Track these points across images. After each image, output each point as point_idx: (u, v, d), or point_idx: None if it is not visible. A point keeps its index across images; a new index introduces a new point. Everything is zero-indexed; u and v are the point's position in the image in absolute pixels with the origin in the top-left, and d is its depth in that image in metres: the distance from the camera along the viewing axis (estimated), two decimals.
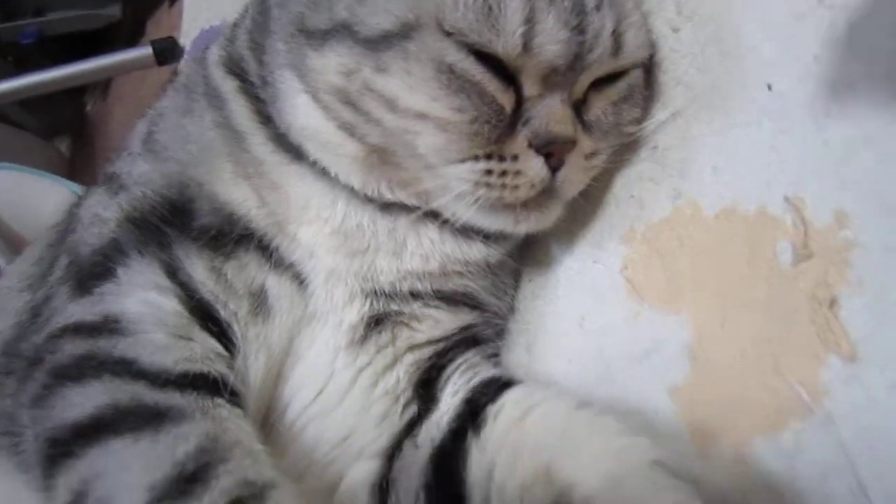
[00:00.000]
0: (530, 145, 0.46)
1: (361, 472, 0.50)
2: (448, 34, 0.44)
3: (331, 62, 0.46)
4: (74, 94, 2.07)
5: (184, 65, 0.66)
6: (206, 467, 0.39)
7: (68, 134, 2.16)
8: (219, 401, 0.45)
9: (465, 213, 0.48)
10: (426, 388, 0.52)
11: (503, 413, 0.47)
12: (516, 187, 0.46)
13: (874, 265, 0.38)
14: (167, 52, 1.47)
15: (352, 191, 0.51)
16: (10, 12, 1.79)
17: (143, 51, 1.48)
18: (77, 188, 1.56)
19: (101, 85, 2.00)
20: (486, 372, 0.52)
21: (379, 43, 0.45)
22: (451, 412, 0.50)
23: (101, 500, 0.38)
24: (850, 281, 0.39)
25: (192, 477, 0.38)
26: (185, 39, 1.54)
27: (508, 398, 0.48)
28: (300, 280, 0.52)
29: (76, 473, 0.40)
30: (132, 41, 1.94)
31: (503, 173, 0.46)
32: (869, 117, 0.41)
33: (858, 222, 0.40)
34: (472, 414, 0.49)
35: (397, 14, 0.45)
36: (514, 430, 0.46)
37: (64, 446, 0.42)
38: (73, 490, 0.40)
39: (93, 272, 0.51)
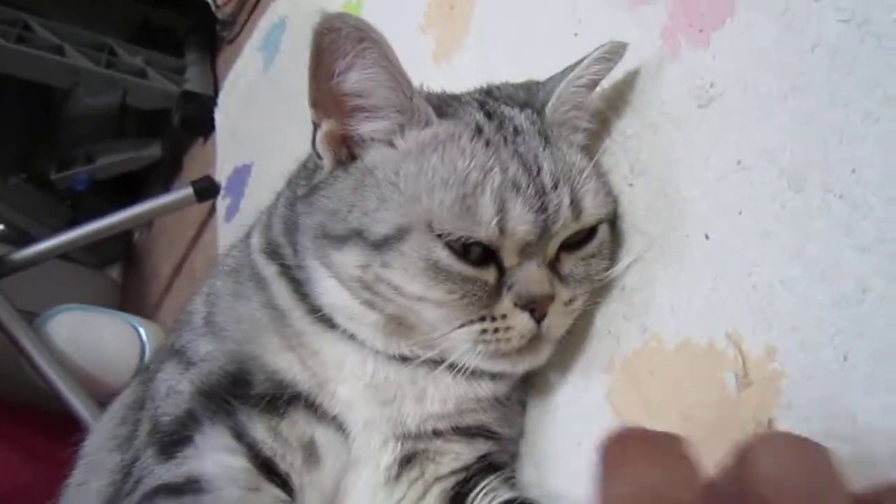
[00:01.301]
0: (516, 305, 0.55)
1: None
2: (437, 235, 0.54)
3: (348, 259, 0.57)
4: None
5: (230, 248, 0.78)
6: None
7: (119, 263, 2.33)
8: None
9: (472, 362, 0.57)
10: None
11: None
12: (509, 339, 0.56)
13: (798, 391, 0.47)
14: (205, 190, 1.64)
15: (377, 351, 0.61)
16: (64, 163, 1.99)
17: (185, 191, 1.64)
18: (130, 318, 1.71)
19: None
20: (504, 494, 0.60)
21: (382, 245, 0.56)
22: None
23: None
24: (781, 405, 0.48)
25: None
26: (220, 175, 1.70)
27: None
28: (343, 430, 0.61)
29: None
30: (171, 175, 2.13)
31: (496, 330, 0.55)
32: (784, 265, 0.50)
33: (783, 355, 0.48)
34: None
35: (393, 221, 0.56)
36: None
37: None
38: None
39: (173, 439, 0.61)
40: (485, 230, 0.54)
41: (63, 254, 2.11)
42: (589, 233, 0.60)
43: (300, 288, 0.64)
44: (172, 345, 0.71)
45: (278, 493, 0.58)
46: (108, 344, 1.58)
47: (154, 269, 2.01)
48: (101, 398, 1.49)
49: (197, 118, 1.89)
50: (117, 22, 2.23)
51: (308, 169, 0.66)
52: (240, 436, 0.59)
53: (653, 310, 0.58)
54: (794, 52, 0.54)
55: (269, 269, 0.66)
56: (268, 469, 0.59)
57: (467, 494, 0.61)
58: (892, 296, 0.44)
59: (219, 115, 1.86)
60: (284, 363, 0.62)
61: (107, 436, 0.76)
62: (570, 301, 0.58)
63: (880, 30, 0.49)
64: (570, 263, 0.59)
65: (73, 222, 1.99)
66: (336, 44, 0.54)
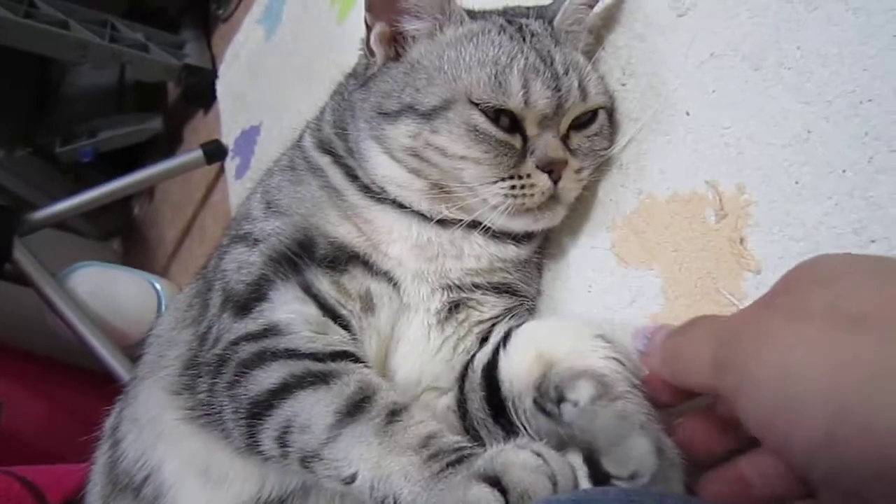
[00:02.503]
0: (537, 166, 0.68)
1: (446, 400, 0.72)
2: (475, 104, 0.68)
3: (401, 130, 0.70)
4: (122, 201, 2.33)
5: (280, 155, 0.90)
6: (367, 397, 0.59)
7: (119, 236, 2.41)
8: (360, 364, 0.65)
9: (499, 219, 0.70)
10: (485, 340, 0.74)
11: (521, 329, 0.70)
12: (532, 195, 0.69)
13: (763, 212, 0.61)
14: (214, 152, 1.75)
15: (421, 215, 0.73)
16: (68, 137, 2.07)
17: (195, 153, 1.75)
18: (145, 274, 1.80)
19: (147, 191, 2.26)
20: (523, 318, 0.74)
21: (431, 114, 0.69)
22: (495, 340, 0.72)
23: (303, 425, 0.58)
24: (750, 225, 0.62)
25: (359, 403, 0.58)
26: (227, 139, 1.81)
27: (529, 322, 0.71)
28: (393, 283, 0.73)
29: (279, 417, 0.60)
30: (171, 148, 2.22)
31: (522, 186, 0.68)
32: (748, 124, 0.65)
33: (751, 189, 0.63)
34: (506, 336, 0.71)
35: (441, 95, 0.69)
36: (524, 338, 0.69)
37: (265, 404, 0.61)
38: (279, 427, 0.60)
39: (250, 298, 0.71)
40: (513, 100, 0.67)
41: (67, 226, 2.20)
42: (591, 116, 0.73)
43: (351, 172, 0.77)
44: (234, 234, 0.81)
45: (343, 332, 0.70)
46: (127, 296, 1.67)
47: (159, 236, 2.10)
48: (123, 346, 1.59)
49: (199, 90, 1.99)
50: (111, 3, 2.31)
51: (357, 72, 0.79)
52: (308, 289, 0.71)
53: (646, 176, 0.72)
54: None
55: (323, 160, 0.79)
56: (332, 315, 0.70)
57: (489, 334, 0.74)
58: (828, 132, 0.59)
59: (220, 87, 1.97)
60: (343, 230, 0.74)
61: (175, 321, 0.85)
62: (580, 170, 0.72)
63: None
64: (577, 140, 0.72)
65: (74, 195, 2.07)
66: None
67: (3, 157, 2.05)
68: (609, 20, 0.82)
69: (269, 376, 0.63)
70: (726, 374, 0.41)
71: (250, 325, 0.70)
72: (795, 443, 0.36)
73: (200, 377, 0.71)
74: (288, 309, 0.69)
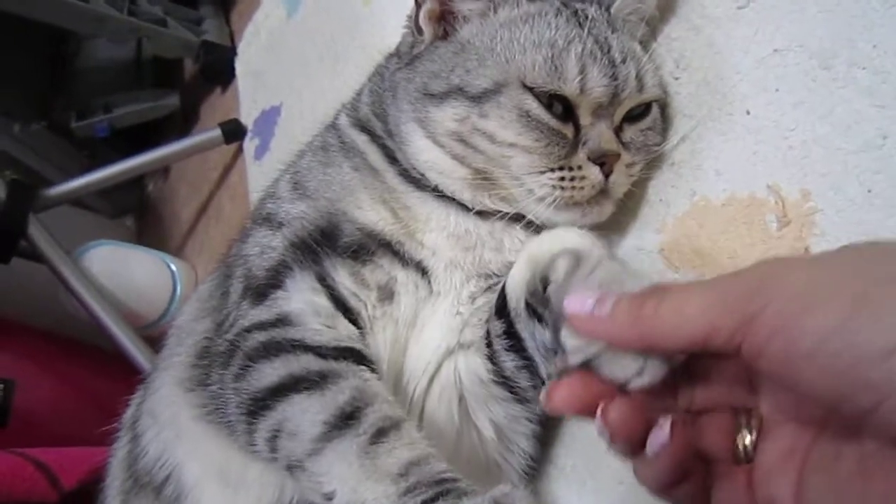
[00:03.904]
0: (589, 158, 0.65)
1: (475, 359, 0.70)
2: (529, 88, 0.65)
3: (447, 113, 0.67)
4: (136, 178, 2.30)
5: (313, 137, 0.87)
6: (358, 409, 0.56)
7: (132, 213, 2.39)
8: (362, 367, 0.62)
9: (545, 213, 0.67)
10: None
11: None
12: (582, 188, 0.66)
13: (830, 222, 0.58)
14: (233, 132, 1.71)
15: (460, 204, 0.70)
16: (83, 112, 2.04)
17: (213, 133, 1.71)
18: (160, 254, 1.78)
19: (161, 169, 2.23)
20: None
21: (481, 98, 0.66)
22: None
23: (292, 432, 0.57)
24: (816, 234, 0.59)
25: (350, 415, 0.56)
26: (246, 119, 1.77)
27: None
28: (423, 271, 0.70)
29: (272, 419, 0.59)
30: (187, 126, 2.19)
31: (572, 178, 0.65)
32: (815, 126, 0.61)
33: (816, 196, 0.59)
34: None
35: (492, 77, 0.66)
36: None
37: (262, 402, 0.60)
38: (271, 429, 0.58)
39: (268, 285, 0.69)
40: (569, 85, 0.64)
41: (80, 202, 2.18)
42: (645, 109, 0.70)
43: (390, 153, 0.73)
44: (258, 215, 0.79)
45: (351, 328, 0.67)
46: (142, 276, 1.65)
47: (174, 214, 2.07)
48: (136, 327, 1.57)
49: (217, 67, 1.95)
50: None
51: (402, 51, 0.75)
52: (323, 279, 0.68)
53: (700, 177, 0.69)
54: None
55: (360, 138, 0.76)
56: (343, 307, 0.68)
57: None
58: None
59: (240, 65, 1.93)
60: (375, 215, 0.71)
61: (195, 311, 0.83)
62: (631, 165, 0.69)
63: None
64: (630, 133, 0.69)
65: (90, 171, 2.05)
66: None
67: (19, 131, 2.02)
68: (665, 10, 0.78)
69: (271, 373, 0.62)
70: (747, 301, 0.39)
71: (264, 312, 0.68)
72: (806, 341, 0.36)
73: (212, 368, 0.69)
74: (300, 298, 0.68)
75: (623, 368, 0.48)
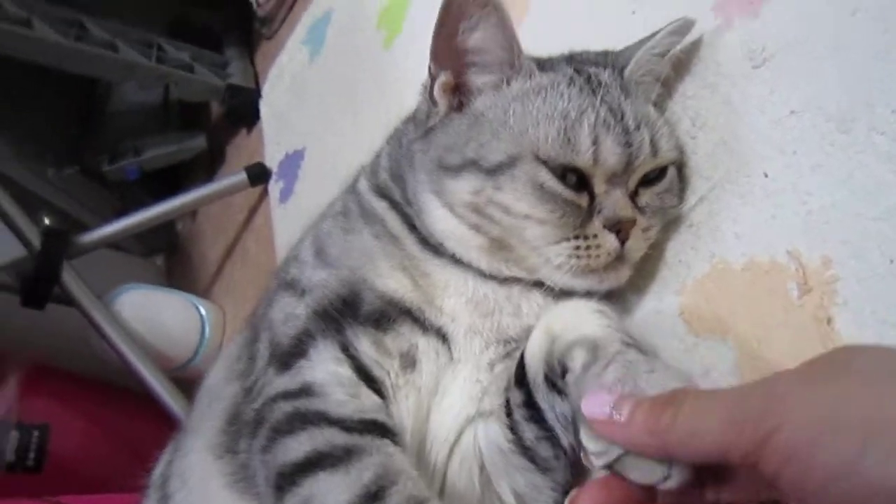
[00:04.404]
0: (604, 226, 0.65)
1: (495, 427, 0.69)
2: (542, 161, 0.65)
3: (463, 186, 0.67)
4: None
5: (334, 200, 0.88)
6: (383, 488, 0.56)
7: (163, 252, 2.44)
8: (386, 440, 0.62)
9: (562, 280, 0.67)
10: None
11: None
12: (598, 256, 0.66)
13: (852, 291, 0.57)
14: (258, 175, 1.75)
15: (478, 271, 0.71)
16: (114, 156, 2.10)
17: (239, 176, 1.75)
18: (189, 297, 1.81)
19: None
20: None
21: (495, 171, 0.66)
22: None
23: None
24: (838, 304, 0.58)
25: (374, 495, 0.55)
26: (270, 162, 1.80)
27: None
28: (443, 337, 0.71)
29: (299, 496, 0.58)
30: (214, 167, 2.23)
31: (588, 247, 0.65)
32: (834, 190, 0.61)
33: (838, 264, 0.58)
34: None
35: (506, 151, 0.66)
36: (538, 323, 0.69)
37: (289, 478, 0.60)
38: None
39: (292, 353, 0.70)
40: (582, 157, 0.64)
41: (112, 243, 2.23)
42: (660, 172, 0.70)
43: (409, 220, 0.74)
44: (282, 280, 0.80)
45: (375, 398, 0.67)
46: (171, 320, 1.68)
47: (202, 255, 2.11)
48: (166, 370, 1.59)
49: (242, 110, 1.99)
50: (156, 20, 2.34)
51: (418, 119, 0.76)
52: (346, 348, 0.69)
53: (718, 239, 0.68)
54: (838, 16, 0.65)
55: (380, 205, 0.77)
56: (366, 377, 0.68)
57: None
58: None
59: (264, 107, 1.97)
60: (395, 283, 0.71)
61: (225, 371, 0.85)
62: (647, 229, 0.68)
63: None
64: (646, 197, 0.69)
65: (121, 212, 2.10)
66: (463, 7, 0.65)
67: (53, 176, 2.08)
68: (679, 68, 0.78)
69: (296, 448, 0.62)
70: (759, 421, 0.40)
71: (289, 381, 0.69)
72: (818, 473, 0.37)
73: (241, 436, 0.70)
74: (324, 369, 0.68)
75: (650, 473, 0.49)
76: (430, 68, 0.71)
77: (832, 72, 0.64)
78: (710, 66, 0.75)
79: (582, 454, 0.55)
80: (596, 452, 0.52)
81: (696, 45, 0.77)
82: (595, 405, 0.50)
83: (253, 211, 1.84)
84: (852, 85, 0.62)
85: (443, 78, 0.70)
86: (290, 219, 1.61)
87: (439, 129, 0.71)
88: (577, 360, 0.61)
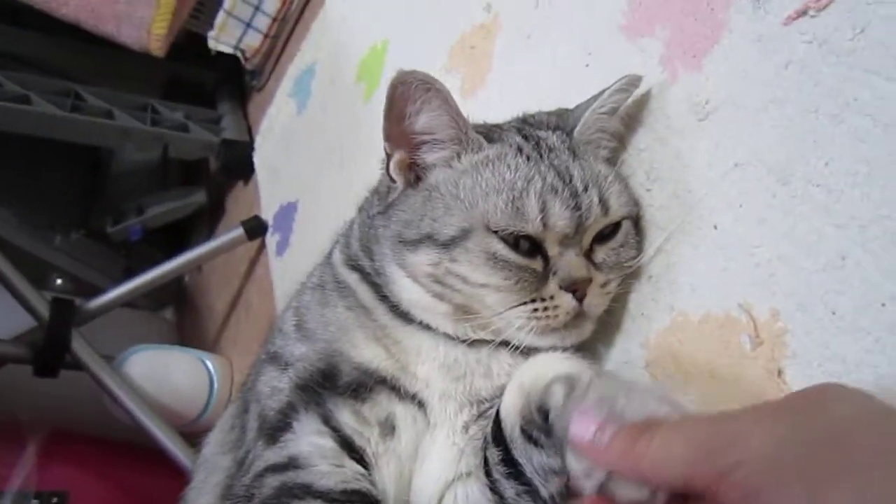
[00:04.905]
0: (560, 287, 0.68)
1: (475, 487, 0.71)
2: (494, 232, 0.68)
3: (422, 259, 0.70)
4: None
5: (312, 269, 0.91)
6: None
7: (172, 305, 2.49)
8: None
9: (526, 339, 0.69)
10: None
11: None
12: (557, 316, 0.68)
13: (800, 343, 0.59)
14: (255, 229, 1.79)
15: (447, 336, 0.73)
16: (118, 217, 2.16)
17: (236, 232, 1.79)
18: (196, 353, 1.85)
19: None
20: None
21: (450, 244, 0.69)
22: None
23: None
24: (787, 356, 0.59)
25: None
26: (266, 214, 1.85)
27: None
28: (419, 403, 0.73)
29: None
30: (214, 219, 2.28)
31: (545, 308, 0.68)
32: (778, 244, 0.62)
33: (785, 316, 0.60)
34: None
35: (458, 224, 0.69)
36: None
37: None
38: None
39: (277, 427, 0.73)
40: (531, 225, 0.67)
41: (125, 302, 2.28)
42: (614, 227, 0.72)
43: (380, 290, 0.77)
44: (267, 352, 0.83)
45: (357, 467, 0.70)
46: (180, 377, 1.72)
47: (209, 307, 2.15)
48: (179, 427, 1.63)
49: (237, 163, 2.04)
50: (150, 81, 2.41)
51: (380, 192, 0.79)
52: (328, 420, 0.72)
53: (676, 291, 0.70)
54: (772, 69, 0.67)
55: (351, 277, 0.80)
56: (349, 447, 0.71)
57: None
58: (864, 260, 0.56)
59: (257, 159, 2.02)
60: (370, 353, 0.74)
61: (219, 443, 0.88)
62: (605, 284, 0.70)
63: (838, 48, 0.61)
64: (602, 253, 0.71)
65: (129, 270, 2.15)
66: (407, 93, 0.68)
67: (60, 242, 2.14)
68: (632, 122, 0.80)
69: None
70: (718, 457, 0.43)
71: (275, 455, 0.72)
72: None
73: None
74: (307, 441, 0.71)
75: (636, 491, 0.51)
76: (385, 147, 0.74)
77: (769, 125, 0.66)
78: (661, 119, 0.77)
79: (573, 479, 0.57)
80: (582, 473, 0.55)
81: (646, 99, 0.80)
82: (581, 427, 0.53)
83: (253, 263, 1.88)
84: (787, 137, 0.64)
85: (397, 156, 0.74)
86: (288, 271, 1.65)
87: (397, 205, 0.74)
88: (556, 395, 0.63)
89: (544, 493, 0.67)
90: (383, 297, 0.77)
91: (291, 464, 0.70)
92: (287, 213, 1.72)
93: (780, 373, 0.59)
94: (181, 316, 2.46)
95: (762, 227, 0.64)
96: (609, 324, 0.75)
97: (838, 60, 0.61)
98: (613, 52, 0.87)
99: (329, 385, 0.74)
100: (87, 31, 1.95)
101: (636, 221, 0.76)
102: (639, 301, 0.74)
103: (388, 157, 0.74)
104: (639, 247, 0.75)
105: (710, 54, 0.74)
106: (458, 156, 0.72)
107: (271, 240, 1.77)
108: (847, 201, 0.58)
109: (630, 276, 0.75)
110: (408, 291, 0.74)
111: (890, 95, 0.56)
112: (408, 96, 0.68)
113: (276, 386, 0.77)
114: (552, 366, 0.68)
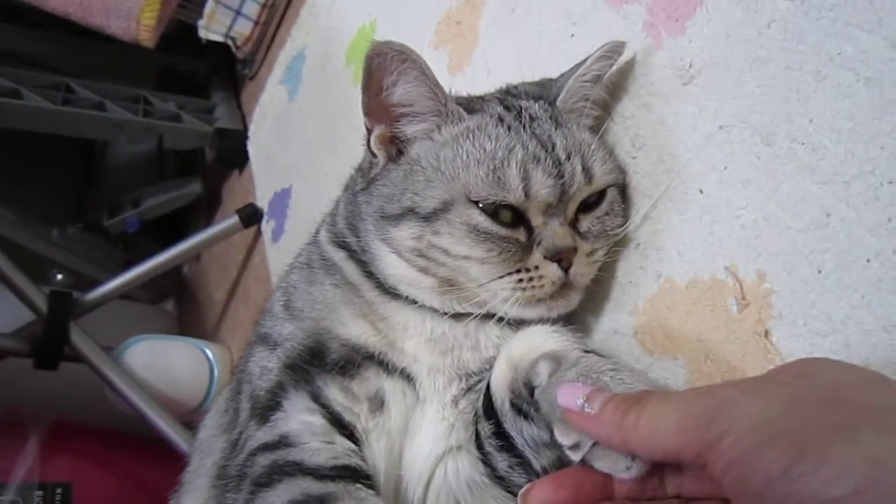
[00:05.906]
0: (545, 257, 0.67)
1: (467, 459, 0.72)
2: (474, 203, 0.67)
3: (405, 233, 0.70)
4: None
5: (300, 250, 0.91)
6: None
7: (171, 297, 2.49)
8: (358, 485, 0.65)
9: (512, 310, 0.69)
10: None
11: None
12: (542, 286, 0.67)
13: (786, 303, 0.58)
14: (250, 217, 1.79)
15: (433, 310, 0.73)
16: (114, 210, 2.15)
17: (232, 220, 1.79)
18: (196, 342, 1.85)
19: None
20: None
21: (431, 217, 0.68)
22: None
23: None
24: (774, 317, 0.59)
25: None
26: (261, 201, 1.84)
27: None
28: (408, 378, 0.73)
29: None
30: (211, 208, 2.28)
31: (531, 279, 0.67)
32: (763, 204, 0.62)
33: (771, 277, 0.60)
34: None
35: (439, 197, 0.68)
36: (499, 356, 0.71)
37: None
38: None
39: (268, 406, 0.73)
40: (513, 194, 0.66)
41: (122, 293, 2.28)
42: (599, 196, 0.71)
43: (366, 267, 0.76)
44: (257, 332, 0.83)
45: (348, 443, 0.70)
46: (180, 367, 1.72)
47: (208, 297, 2.15)
48: (180, 416, 1.63)
49: (231, 152, 2.03)
50: (141, 73, 2.40)
51: (363, 169, 0.78)
52: (317, 398, 0.71)
53: (664, 258, 0.70)
54: (754, 28, 0.66)
55: (338, 255, 0.79)
56: (338, 423, 0.71)
57: None
58: (849, 216, 0.55)
59: (252, 147, 2.01)
60: (357, 330, 0.74)
61: (214, 426, 0.88)
62: (591, 253, 0.70)
63: (819, 3, 0.60)
64: (587, 222, 0.70)
65: (127, 262, 2.15)
66: (384, 65, 0.67)
67: (57, 236, 2.14)
68: (616, 89, 0.79)
69: (275, 501, 0.64)
70: (707, 427, 0.43)
71: (267, 434, 0.71)
72: (756, 479, 0.39)
73: (227, 490, 0.73)
74: (297, 419, 0.71)
75: (614, 463, 0.53)
76: (365, 123, 0.73)
77: (753, 85, 0.65)
78: (645, 85, 0.77)
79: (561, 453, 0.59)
80: (569, 446, 0.56)
81: (630, 66, 0.79)
82: (569, 396, 0.53)
83: (250, 250, 1.88)
84: (771, 96, 0.63)
85: (377, 131, 0.73)
86: (283, 258, 1.64)
87: (379, 180, 0.74)
88: (542, 373, 0.63)
89: (536, 465, 0.67)
90: (369, 274, 0.76)
91: (282, 442, 0.70)
92: (281, 199, 1.71)
93: (766, 334, 0.59)
94: (182, 307, 2.46)
95: (747, 188, 0.63)
96: (598, 293, 0.75)
97: (821, 15, 0.60)
98: (598, 21, 0.86)
99: (317, 363, 0.73)
100: (77, 24, 1.93)
101: (622, 189, 0.75)
102: (626, 269, 0.74)
103: (369, 132, 0.74)
104: (625, 215, 0.74)
105: (692, 17, 0.73)
106: (439, 128, 0.71)
107: (267, 227, 1.77)
108: (831, 158, 0.57)
109: (618, 245, 0.74)
110: (393, 267, 0.73)
111: (872, 48, 0.56)
112: (384, 68, 0.67)
113: (265, 366, 0.77)
114: (541, 343, 0.68)
